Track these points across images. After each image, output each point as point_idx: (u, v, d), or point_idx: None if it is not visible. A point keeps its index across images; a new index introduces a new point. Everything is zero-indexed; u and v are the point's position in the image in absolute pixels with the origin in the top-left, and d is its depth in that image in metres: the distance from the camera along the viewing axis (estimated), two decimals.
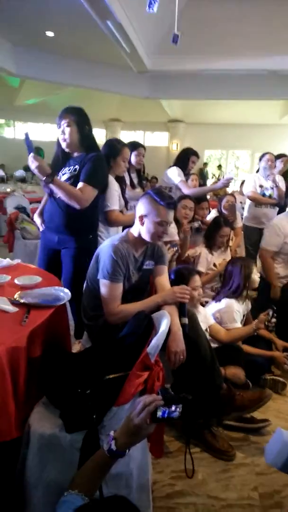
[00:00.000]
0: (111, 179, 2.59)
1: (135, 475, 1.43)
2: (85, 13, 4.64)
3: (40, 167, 2.08)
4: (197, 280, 2.24)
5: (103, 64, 7.69)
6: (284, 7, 5.56)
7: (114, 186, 2.60)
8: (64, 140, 2.31)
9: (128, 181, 3.32)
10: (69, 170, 2.34)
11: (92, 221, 2.47)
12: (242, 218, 4.29)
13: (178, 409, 1.00)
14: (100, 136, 14.38)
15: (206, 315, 2.33)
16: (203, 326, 2.23)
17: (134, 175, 3.46)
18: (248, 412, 2.07)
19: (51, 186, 2.18)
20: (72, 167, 2.34)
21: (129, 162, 3.37)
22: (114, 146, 2.69)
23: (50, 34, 6.35)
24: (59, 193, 2.22)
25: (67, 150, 2.36)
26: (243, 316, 2.57)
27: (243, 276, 2.48)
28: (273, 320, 2.07)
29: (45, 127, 13.86)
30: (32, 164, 2.08)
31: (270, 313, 2.08)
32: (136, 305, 1.81)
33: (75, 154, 2.38)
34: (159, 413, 0.98)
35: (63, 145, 2.34)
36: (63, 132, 2.29)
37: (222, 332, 2.32)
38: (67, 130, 2.27)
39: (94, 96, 10.54)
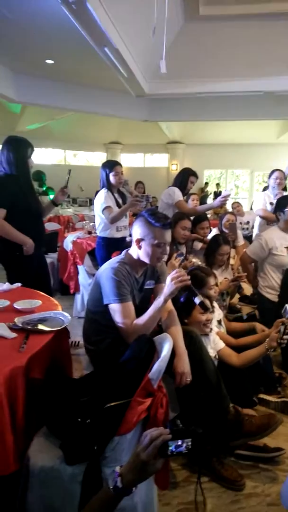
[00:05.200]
0: None
1: (140, 510, 1.35)
2: (83, 40, 4.74)
3: None
4: (211, 281, 2.30)
5: (102, 89, 7.83)
6: (278, 29, 5.67)
7: None
8: None
9: (114, 203, 3.31)
10: None
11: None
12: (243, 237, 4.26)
13: (187, 443, 0.94)
14: (101, 159, 14.59)
15: (215, 340, 2.24)
16: (212, 352, 2.17)
17: (117, 195, 3.45)
18: (257, 438, 1.96)
19: None
20: None
21: (109, 183, 3.36)
22: None
23: (50, 61, 6.50)
24: None
25: None
26: (219, 321, 2.51)
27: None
28: (286, 336, 2.02)
29: (47, 152, 14.06)
30: None
31: (282, 329, 2.03)
32: (145, 316, 1.73)
33: None
34: (167, 448, 0.92)
35: None
36: None
37: (234, 356, 2.22)
38: None
39: (95, 120, 10.70)
